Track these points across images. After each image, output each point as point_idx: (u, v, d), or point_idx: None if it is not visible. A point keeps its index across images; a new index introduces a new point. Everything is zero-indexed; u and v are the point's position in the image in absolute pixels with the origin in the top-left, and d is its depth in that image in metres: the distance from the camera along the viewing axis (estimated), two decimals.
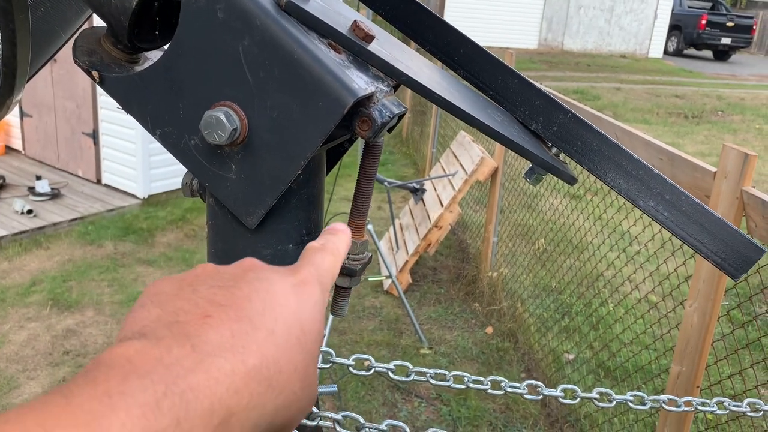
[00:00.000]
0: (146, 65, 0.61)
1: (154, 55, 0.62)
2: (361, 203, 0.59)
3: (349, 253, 0.59)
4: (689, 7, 22.64)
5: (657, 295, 3.14)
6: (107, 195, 5.93)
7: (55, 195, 5.76)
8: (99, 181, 6.15)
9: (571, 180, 0.69)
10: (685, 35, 22.20)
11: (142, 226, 5.48)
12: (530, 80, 0.71)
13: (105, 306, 4.24)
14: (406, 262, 4.49)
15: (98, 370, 0.29)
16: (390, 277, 4.09)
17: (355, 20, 0.56)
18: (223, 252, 0.60)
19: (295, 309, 0.38)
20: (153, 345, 0.31)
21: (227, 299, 0.36)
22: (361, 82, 0.52)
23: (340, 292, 0.61)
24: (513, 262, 4.46)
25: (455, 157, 4.92)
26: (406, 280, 4.50)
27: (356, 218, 0.60)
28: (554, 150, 0.71)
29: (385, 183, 4.36)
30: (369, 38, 0.56)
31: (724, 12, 22.39)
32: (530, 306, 4.14)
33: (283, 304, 0.37)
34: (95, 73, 0.56)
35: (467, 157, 4.66)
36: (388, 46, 0.61)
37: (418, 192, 5.04)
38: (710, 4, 23.04)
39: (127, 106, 0.56)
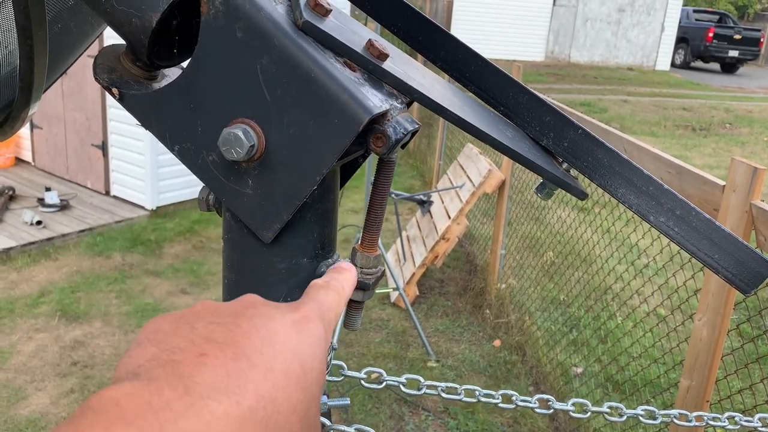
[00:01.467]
0: (164, 82, 0.62)
1: (172, 72, 0.63)
2: (374, 218, 0.60)
3: (362, 267, 0.60)
4: (696, 19, 22.69)
5: (666, 309, 3.13)
6: (116, 206, 5.96)
7: (64, 206, 5.80)
8: (108, 193, 6.19)
9: (581, 195, 0.70)
10: (693, 48, 22.22)
11: (150, 237, 5.50)
12: (541, 96, 0.72)
13: (113, 317, 4.26)
14: (414, 274, 4.49)
15: (84, 416, 0.29)
16: (397, 289, 4.09)
17: (369, 39, 0.57)
18: (238, 265, 0.61)
19: (295, 346, 0.37)
20: (144, 387, 0.30)
21: (224, 336, 0.35)
22: (375, 100, 0.53)
23: (353, 305, 0.62)
24: (521, 274, 4.45)
25: (462, 169, 4.93)
26: (413, 293, 4.50)
27: (369, 232, 0.60)
28: (565, 165, 0.72)
29: (393, 195, 4.37)
30: (383, 56, 0.57)
31: (732, 25, 22.42)
32: (538, 319, 4.13)
33: (282, 341, 0.37)
34: (115, 90, 0.57)
35: (474, 169, 4.67)
36: (401, 63, 0.62)
37: (425, 204, 5.05)
38: (717, 17, 23.08)
39: (147, 122, 0.57)
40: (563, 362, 3.63)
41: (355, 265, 0.60)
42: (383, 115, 0.54)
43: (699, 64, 23.00)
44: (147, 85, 0.60)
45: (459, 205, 4.50)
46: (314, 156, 0.53)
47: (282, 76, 0.52)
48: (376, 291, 4.49)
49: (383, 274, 0.62)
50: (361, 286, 0.60)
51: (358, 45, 0.57)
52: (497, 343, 4.07)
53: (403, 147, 0.62)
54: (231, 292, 0.62)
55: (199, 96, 0.54)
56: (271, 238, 0.57)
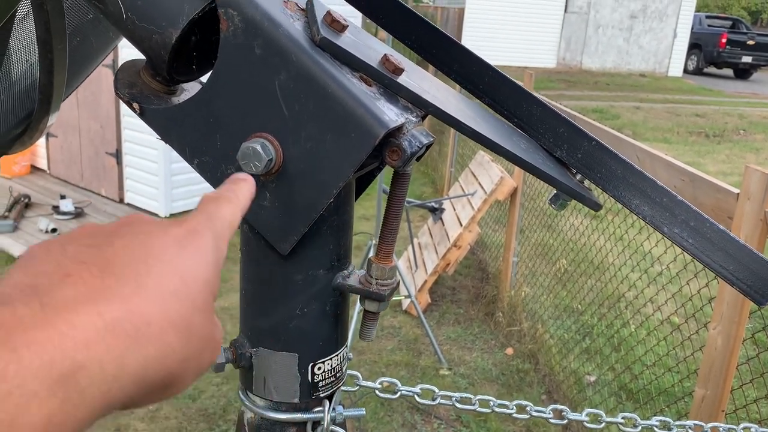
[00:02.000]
0: (183, 96, 0.63)
1: (190, 86, 0.65)
2: (389, 229, 0.61)
3: (377, 278, 0.61)
4: (709, 25, 22.57)
5: (680, 317, 3.11)
6: (129, 214, 6.00)
7: (78, 214, 5.85)
8: (122, 200, 6.24)
9: (595, 206, 0.70)
10: (705, 54, 22.10)
11: None
12: (554, 108, 0.72)
13: None
14: (425, 281, 4.49)
15: None
16: (409, 296, 4.09)
17: (385, 54, 0.58)
18: (255, 276, 0.62)
19: (174, 260, 0.36)
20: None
21: (93, 257, 0.34)
22: (391, 114, 0.54)
23: (368, 316, 0.63)
24: (533, 282, 4.44)
25: (474, 176, 4.93)
26: (425, 300, 4.50)
27: (384, 244, 0.61)
28: (578, 176, 0.72)
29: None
30: (398, 71, 0.57)
31: (745, 30, 22.28)
32: (551, 327, 4.11)
33: (158, 256, 0.36)
34: (136, 105, 0.58)
35: (486, 176, 4.67)
36: (416, 77, 0.63)
37: (436, 211, 5.05)
38: (730, 23, 22.96)
39: (166, 136, 0.58)
40: (576, 370, 3.61)
41: (371, 276, 0.61)
42: (399, 129, 0.55)
43: (712, 70, 22.87)
44: (166, 100, 0.61)
45: (471, 212, 4.50)
46: (331, 169, 0.54)
47: (300, 92, 0.53)
48: None
49: (398, 285, 0.63)
50: (377, 298, 0.61)
51: (373, 60, 0.57)
52: (510, 351, 4.05)
53: (417, 159, 0.63)
54: (249, 303, 0.63)
55: (219, 111, 0.55)
56: (288, 250, 0.57)
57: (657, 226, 0.67)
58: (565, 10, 20.62)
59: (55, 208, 5.81)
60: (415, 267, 4.80)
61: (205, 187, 0.58)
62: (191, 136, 0.57)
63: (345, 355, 0.66)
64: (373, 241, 4.13)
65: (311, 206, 0.55)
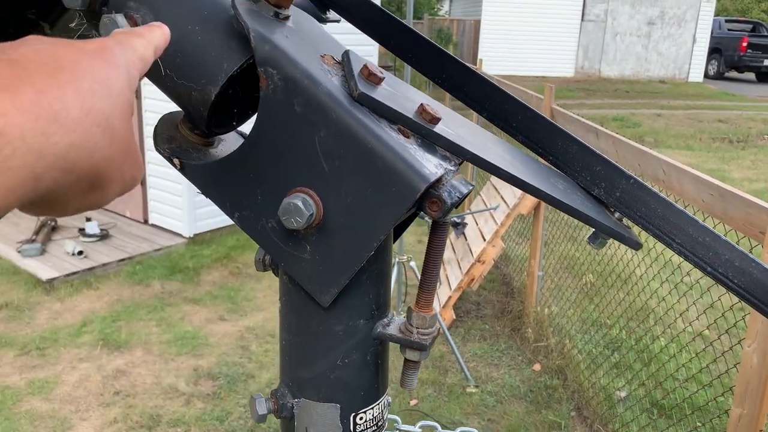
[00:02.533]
0: (221, 147, 0.64)
1: (228, 137, 0.65)
2: (429, 278, 0.60)
3: (418, 327, 0.60)
4: (729, 29, 22.35)
5: (712, 331, 3.05)
6: (154, 235, 6.07)
7: (104, 236, 5.93)
8: (146, 221, 6.31)
9: (636, 246, 0.69)
10: (726, 58, 21.88)
11: (188, 264, 5.58)
12: (590, 146, 0.71)
13: (153, 346, 4.32)
14: (449, 297, 4.47)
15: None
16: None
17: (421, 104, 0.58)
18: (296, 327, 0.62)
19: (86, 65, 0.37)
20: None
21: None
22: (430, 166, 0.54)
23: (409, 365, 0.62)
24: (559, 296, 4.39)
25: (496, 190, 4.91)
26: (450, 316, 4.48)
27: (425, 292, 0.61)
28: (617, 214, 0.71)
29: (426, 217, 4.36)
30: (435, 120, 0.57)
31: (766, 33, 22.02)
32: (578, 342, 4.06)
33: (69, 60, 0.36)
34: (176, 161, 0.59)
35: (509, 190, 4.64)
36: (452, 124, 0.62)
37: (459, 226, 5.04)
38: (751, 26, 22.71)
39: (207, 191, 0.59)
40: (606, 386, 3.56)
41: (411, 325, 0.61)
42: (438, 180, 0.55)
43: (733, 74, 22.61)
44: (205, 152, 0.62)
45: (494, 227, 4.47)
46: (372, 223, 0.54)
47: (340, 148, 0.53)
48: None
49: (439, 333, 0.62)
50: (418, 347, 0.60)
51: (410, 110, 0.57)
52: (537, 367, 4.01)
53: (455, 207, 0.62)
54: (289, 354, 0.63)
55: (259, 166, 0.56)
56: (329, 302, 0.57)
57: (701, 266, 0.65)
58: (582, 19, 20.56)
59: (81, 231, 5.89)
60: (439, 283, 4.79)
61: None
62: (231, 191, 0.58)
63: (386, 402, 0.65)
64: (397, 258, 4.12)
65: (352, 259, 0.55)
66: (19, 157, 0.31)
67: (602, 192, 0.71)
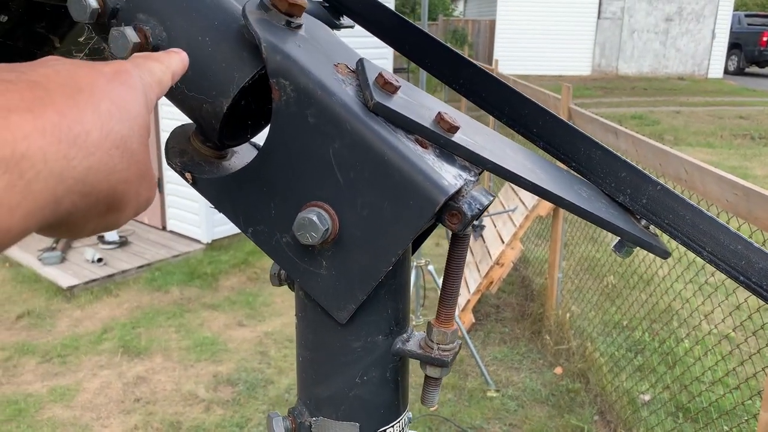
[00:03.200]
0: (234, 159, 0.62)
1: (240, 149, 0.64)
2: (450, 292, 0.58)
3: (439, 343, 0.58)
4: (749, 24, 22.05)
5: (739, 333, 2.99)
6: (172, 241, 6.10)
7: (123, 243, 5.97)
8: (164, 228, 6.35)
9: (664, 254, 0.66)
10: (746, 53, 21.58)
11: (206, 270, 5.61)
12: (614, 152, 0.69)
13: (173, 352, 4.33)
14: (468, 300, 4.43)
15: None
16: None
17: (439, 112, 0.56)
18: (312, 343, 0.60)
19: (104, 87, 0.36)
20: None
21: (17, 78, 0.33)
22: (450, 177, 0.52)
23: (430, 382, 0.60)
24: (580, 298, 4.34)
25: (514, 192, 4.87)
26: (469, 320, 4.44)
27: (445, 307, 0.59)
28: (644, 222, 0.69)
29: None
30: (453, 129, 0.55)
31: None
32: (600, 344, 4.01)
33: (88, 82, 0.36)
34: (188, 175, 0.57)
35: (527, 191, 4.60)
36: (471, 131, 0.60)
37: (477, 228, 5.00)
38: None
39: (220, 205, 0.57)
40: (629, 390, 3.50)
41: (432, 341, 0.59)
42: (458, 192, 0.53)
43: (754, 69, 22.29)
44: (218, 165, 0.60)
45: (512, 229, 4.43)
46: (389, 237, 0.52)
47: (355, 160, 0.51)
48: (431, 321, 4.45)
49: (460, 348, 0.60)
50: (439, 363, 0.58)
51: (427, 119, 0.55)
52: (558, 370, 3.96)
53: (476, 219, 0.60)
54: (306, 370, 0.61)
55: (272, 180, 0.54)
56: (346, 318, 0.56)
57: (733, 276, 0.63)
58: (599, 17, 20.40)
59: (101, 238, 5.94)
60: None
61: None
62: (245, 205, 0.56)
63: (406, 420, 0.63)
64: (414, 263, 4.10)
65: (369, 274, 0.53)
66: (41, 181, 0.31)
67: (628, 199, 0.68)
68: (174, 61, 0.47)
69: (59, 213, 0.33)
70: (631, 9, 20.35)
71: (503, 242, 4.44)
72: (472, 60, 0.77)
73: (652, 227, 0.70)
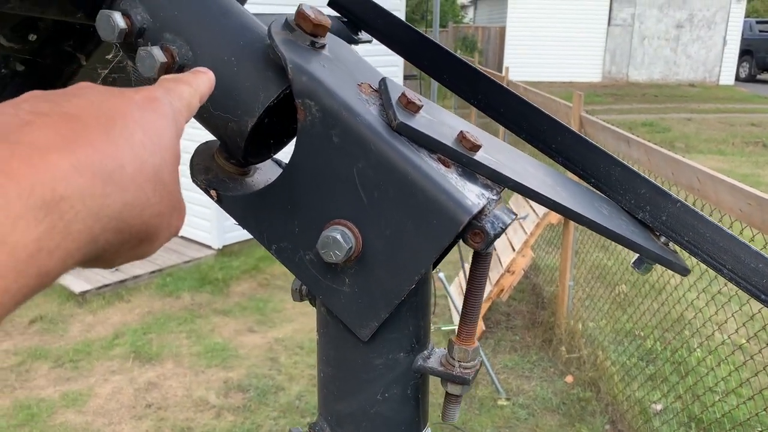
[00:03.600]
0: (257, 175, 0.63)
1: (263, 166, 0.64)
2: (471, 309, 0.59)
3: (460, 361, 0.59)
4: (760, 31, 21.94)
5: (753, 343, 2.97)
6: (184, 246, 6.13)
7: None
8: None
9: (683, 272, 0.66)
10: (758, 60, 21.47)
11: (217, 276, 5.62)
12: (634, 169, 0.69)
13: (183, 358, 4.35)
14: None
15: None
16: None
17: (461, 131, 0.56)
18: (334, 360, 0.60)
19: (136, 117, 0.36)
20: None
21: (53, 109, 0.34)
22: (472, 197, 0.52)
23: (452, 399, 0.60)
24: (591, 306, 4.32)
25: (525, 199, 4.86)
26: (479, 328, 4.43)
27: (467, 324, 0.59)
28: (663, 238, 0.69)
29: None
30: (476, 148, 0.56)
31: None
32: (611, 353, 3.99)
33: (121, 113, 0.36)
34: (213, 193, 0.58)
35: None
36: (492, 149, 0.61)
37: None
38: None
39: (244, 222, 0.58)
40: (641, 399, 3.48)
41: (453, 358, 0.59)
42: (481, 211, 0.53)
43: (766, 76, 22.16)
44: (241, 182, 0.61)
45: (523, 236, 4.43)
46: (413, 256, 0.52)
47: (379, 179, 0.52)
48: (442, 328, 4.44)
49: (481, 365, 0.61)
50: (460, 381, 0.58)
51: (449, 137, 0.56)
52: (569, 379, 3.95)
53: (498, 237, 0.61)
54: (327, 387, 0.62)
55: (297, 198, 0.55)
56: (368, 335, 0.56)
57: (754, 294, 0.63)
58: (609, 23, 20.37)
59: None
60: None
61: None
62: (269, 223, 0.57)
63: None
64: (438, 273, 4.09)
65: (392, 292, 0.54)
66: (80, 221, 0.31)
67: (647, 216, 0.68)
68: (202, 83, 0.47)
69: (94, 251, 0.33)
70: (642, 16, 20.30)
71: (514, 250, 4.43)
72: (488, 73, 0.77)
73: (671, 244, 0.70)
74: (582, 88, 4.38)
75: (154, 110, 0.38)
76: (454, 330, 4.49)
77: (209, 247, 6.07)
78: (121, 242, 0.35)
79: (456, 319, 4.38)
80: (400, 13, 7.67)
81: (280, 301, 5.18)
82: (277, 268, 5.73)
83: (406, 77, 8.38)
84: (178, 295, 5.29)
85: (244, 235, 6.09)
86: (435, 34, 6.27)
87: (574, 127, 4.23)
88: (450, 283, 5.15)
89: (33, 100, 0.35)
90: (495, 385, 3.85)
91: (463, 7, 31.84)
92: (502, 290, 4.43)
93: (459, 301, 4.65)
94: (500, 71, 17.56)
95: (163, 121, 0.39)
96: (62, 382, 4.04)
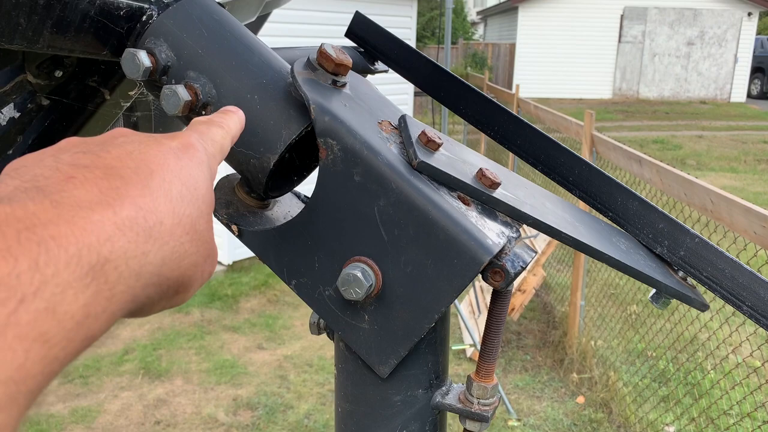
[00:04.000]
0: (276, 209, 0.64)
1: (283, 199, 0.65)
2: (490, 346, 0.59)
3: (479, 398, 0.59)
4: None
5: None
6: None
7: None
8: None
9: (702, 307, 0.66)
10: None
11: (227, 292, 5.63)
12: (652, 203, 0.69)
13: (193, 375, 4.34)
14: None
15: None
16: (473, 344, 4.02)
17: (480, 168, 0.56)
18: (353, 396, 0.60)
19: (173, 168, 0.37)
20: (4, 205, 0.28)
21: (93, 162, 0.34)
22: (493, 236, 0.52)
23: None
24: (603, 326, 4.29)
25: None
26: None
27: (486, 361, 0.59)
28: (681, 273, 0.69)
29: None
30: (495, 185, 0.56)
31: None
32: (624, 374, 3.95)
33: (159, 164, 0.36)
34: (234, 228, 0.58)
35: None
36: (511, 186, 0.61)
37: None
38: None
39: (264, 257, 0.58)
40: (654, 421, 3.44)
41: (472, 395, 0.59)
42: (501, 250, 0.53)
43: None
44: (261, 215, 0.61)
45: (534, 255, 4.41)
46: (433, 294, 0.53)
47: (399, 218, 0.52)
48: (452, 347, 4.42)
49: (500, 402, 0.60)
50: (479, 418, 0.58)
51: (469, 175, 0.56)
52: (581, 399, 3.91)
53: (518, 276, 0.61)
54: (346, 422, 0.62)
55: (317, 234, 0.55)
56: (387, 373, 0.56)
57: None
58: (619, 40, 20.39)
59: None
60: (478, 312, 4.73)
61: None
62: (289, 258, 0.57)
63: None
64: None
65: (412, 330, 0.54)
66: (123, 282, 0.31)
67: (665, 250, 0.68)
68: (233, 124, 0.47)
69: (134, 308, 0.33)
70: (653, 33, 20.32)
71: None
72: (498, 91, 0.78)
73: (689, 278, 0.70)
74: (592, 105, 4.37)
75: (190, 158, 0.39)
76: (464, 350, 4.47)
77: (219, 262, 6.09)
78: (159, 295, 0.35)
79: (467, 337, 4.36)
80: (411, 31, 7.71)
81: (289, 318, 5.18)
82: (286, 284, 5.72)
83: (417, 94, 8.41)
84: (188, 311, 5.29)
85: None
86: (446, 51, 6.29)
87: (586, 146, 4.22)
88: (460, 301, 5.13)
89: (72, 150, 0.35)
90: (505, 406, 3.82)
91: (474, 23, 32.00)
92: (513, 309, 4.41)
93: (470, 320, 4.63)
94: (510, 87, 17.56)
95: (199, 170, 0.39)
96: (72, 398, 4.05)
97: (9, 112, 0.62)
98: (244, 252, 6.07)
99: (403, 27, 7.50)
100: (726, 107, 19.20)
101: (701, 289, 0.72)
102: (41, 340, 0.26)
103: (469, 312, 4.86)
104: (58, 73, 0.61)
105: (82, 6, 0.52)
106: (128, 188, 0.33)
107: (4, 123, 0.63)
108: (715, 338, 3.04)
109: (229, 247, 5.98)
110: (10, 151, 0.65)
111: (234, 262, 6.06)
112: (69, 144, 0.36)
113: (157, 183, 0.35)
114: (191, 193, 0.37)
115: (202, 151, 0.41)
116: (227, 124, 0.46)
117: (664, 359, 3.86)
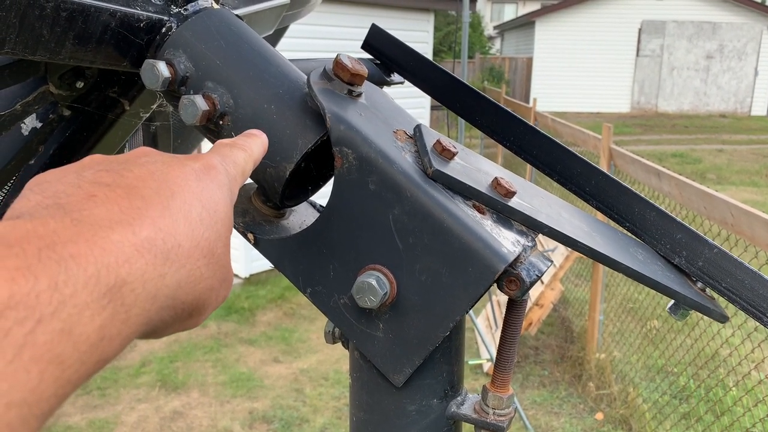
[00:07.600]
0: (292, 218, 0.64)
1: (298, 208, 0.65)
2: (506, 356, 0.58)
3: (494, 408, 0.58)
4: None
5: None
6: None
7: None
8: None
9: (721, 319, 0.65)
10: None
11: (243, 305, 5.65)
12: (669, 213, 0.69)
13: (209, 387, 4.35)
14: None
15: None
16: (490, 359, 3.98)
17: (496, 177, 0.56)
18: (367, 405, 0.60)
19: (195, 189, 0.36)
20: (26, 221, 0.28)
21: (115, 180, 0.34)
22: (508, 244, 0.52)
23: None
24: (622, 341, 4.24)
25: None
26: None
27: (501, 372, 0.58)
28: (699, 284, 0.68)
29: None
30: (510, 194, 0.56)
31: None
32: (643, 390, 3.89)
33: (180, 185, 0.36)
34: (251, 236, 0.59)
35: None
36: (527, 195, 0.61)
37: None
38: None
39: (280, 265, 0.58)
40: None
41: (487, 405, 0.58)
42: (516, 258, 0.53)
43: None
44: (277, 224, 0.62)
45: (552, 269, 4.38)
46: (447, 303, 0.52)
47: (414, 226, 0.52)
48: (469, 362, 4.39)
49: (516, 414, 0.60)
50: (495, 429, 0.58)
51: (484, 184, 0.56)
52: (600, 416, 3.85)
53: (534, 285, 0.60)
54: (360, 431, 0.61)
55: (332, 243, 0.55)
56: (402, 381, 0.56)
57: None
58: (637, 54, 20.32)
59: None
60: (495, 326, 4.69)
61: None
62: (304, 266, 0.57)
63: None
64: None
65: (427, 338, 0.54)
66: (139, 304, 0.31)
67: (684, 261, 0.67)
68: (256, 147, 0.47)
69: (148, 330, 0.33)
70: (671, 47, 20.23)
71: (543, 283, 4.39)
72: (515, 104, 0.78)
73: (708, 290, 0.69)
74: (610, 119, 4.35)
75: (211, 180, 0.39)
76: (480, 364, 4.44)
77: (236, 275, 6.11)
78: (173, 318, 0.35)
79: (483, 352, 4.33)
80: (428, 45, 7.74)
81: (306, 331, 5.18)
82: (303, 297, 5.72)
83: (434, 107, 8.42)
84: (205, 323, 5.31)
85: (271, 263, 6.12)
86: (463, 66, 6.30)
87: (604, 159, 4.20)
88: (477, 315, 5.10)
89: (95, 168, 0.35)
90: (523, 422, 3.78)
91: (491, 38, 32.08)
92: (530, 324, 4.38)
93: (486, 335, 4.60)
94: (527, 101, 17.53)
95: (220, 192, 0.39)
96: (89, 410, 4.07)
97: (31, 122, 0.64)
98: (260, 265, 6.10)
99: (420, 41, 7.53)
100: (746, 121, 19.00)
101: (721, 301, 0.71)
102: (56, 362, 0.26)
103: (486, 326, 4.83)
104: (80, 84, 0.62)
105: (103, 18, 0.53)
106: (149, 209, 0.33)
107: (27, 133, 0.64)
108: (737, 354, 2.99)
109: (246, 260, 6.01)
110: (32, 161, 0.66)
111: (251, 275, 6.09)
112: (92, 161, 0.37)
113: (178, 204, 0.35)
114: (211, 216, 0.37)
115: (224, 173, 0.41)
116: (250, 147, 0.46)
117: (684, 375, 3.80)
